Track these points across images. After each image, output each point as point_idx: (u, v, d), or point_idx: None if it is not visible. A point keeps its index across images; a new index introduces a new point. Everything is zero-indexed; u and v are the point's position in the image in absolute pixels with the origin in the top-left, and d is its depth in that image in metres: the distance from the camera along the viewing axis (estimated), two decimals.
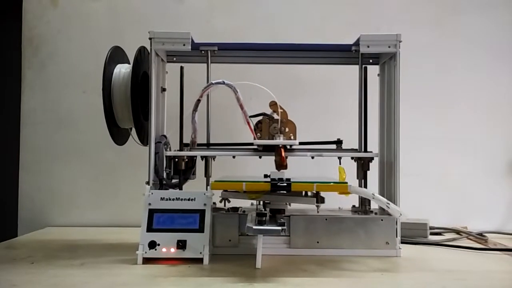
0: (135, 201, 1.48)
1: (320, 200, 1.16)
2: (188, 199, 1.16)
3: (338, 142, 1.34)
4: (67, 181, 1.75)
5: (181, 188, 1.30)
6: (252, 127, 1.23)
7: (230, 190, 1.19)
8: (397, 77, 1.23)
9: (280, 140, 1.20)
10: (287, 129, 1.23)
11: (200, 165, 1.36)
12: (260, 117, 1.24)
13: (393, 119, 1.25)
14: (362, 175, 1.30)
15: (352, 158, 1.32)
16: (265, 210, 1.17)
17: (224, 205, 1.31)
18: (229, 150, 1.31)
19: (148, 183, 1.23)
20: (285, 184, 1.07)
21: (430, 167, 1.72)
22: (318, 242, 1.20)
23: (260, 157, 1.28)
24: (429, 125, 1.72)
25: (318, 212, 1.20)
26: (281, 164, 1.18)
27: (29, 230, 1.65)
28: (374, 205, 1.28)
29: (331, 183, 1.12)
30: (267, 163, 1.24)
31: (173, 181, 1.33)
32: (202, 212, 1.14)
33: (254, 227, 0.98)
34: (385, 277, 1.02)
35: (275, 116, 1.23)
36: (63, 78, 1.76)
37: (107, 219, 1.71)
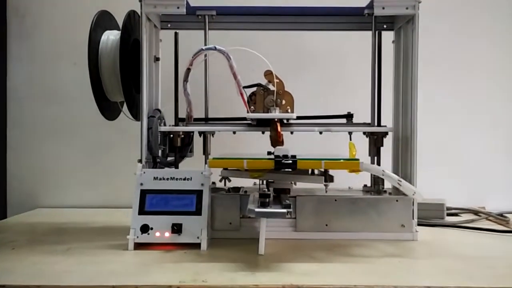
0: (130, 180, 1.38)
1: (328, 178, 1.05)
2: (184, 179, 1.05)
3: (349, 116, 1.22)
4: (58, 160, 1.65)
5: (177, 167, 1.19)
6: (246, 99, 1.11)
7: (230, 168, 1.08)
8: (415, 42, 1.10)
9: (275, 113, 1.08)
10: (283, 102, 1.11)
11: (198, 141, 1.26)
12: (255, 88, 1.13)
13: (410, 90, 1.13)
14: (375, 152, 1.19)
15: (364, 133, 1.20)
16: (268, 190, 1.06)
17: (224, 185, 1.21)
18: (228, 125, 1.20)
19: (140, 161, 1.13)
20: (290, 162, 0.96)
21: (446, 142, 1.60)
22: (327, 225, 1.09)
23: (263, 132, 1.17)
24: (445, 97, 1.60)
25: (326, 192, 1.09)
26: (276, 140, 1.07)
27: (19, 211, 1.56)
28: (387, 185, 1.17)
29: (341, 160, 1.01)
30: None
31: (168, 159, 1.22)
32: (199, 193, 1.04)
33: (257, 209, 0.88)
34: (402, 264, 0.92)
35: (271, 87, 1.11)
36: (52, 49, 1.64)
37: (100, 200, 1.62)
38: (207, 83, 1.26)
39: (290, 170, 0.98)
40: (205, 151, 1.25)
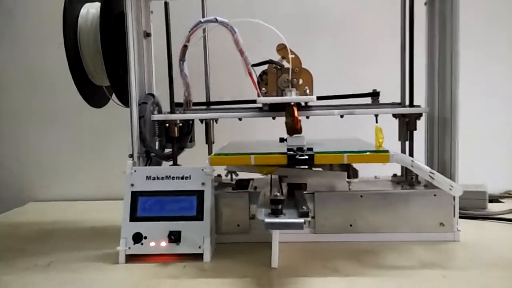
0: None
1: (353, 174, 0.88)
2: (182, 178, 0.89)
3: (374, 95, 1.03)
4: (49, 150, 1.51)
5: (175, 160, 1.03)
6: (255, 80, 0.93)
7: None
8: (455, 3, 0.90)
9: (291, 97, 0.90)
10: (300, 81, 0.93)
11: (200, 128, 1.09)
12: (266, 66, 0.94)
13: (449, 63, 0.93)
14: (407, 136, 1.01)
15: (393, 115, 1.01)
16: (281, 189, 0.89)
17: (231, 179, 1.05)
18: (233, 110, 1.02)
19: (131, 156, 0.97)
20: (306, 157, 0.79)
21: (482, 120, 1.40)
22: (351, 226, 0.93)
23: (274, 118, 0.99)
24: (482, 68, 1.39)
25: (350, 189, 0.92)
26: (293, 128, 0.90)
27: (11, 206, 1.43)
28: None
29: (367, 153, 0.83)
30: (283, 123, 0.95)
31: (166, 151, 1.06)
32: (200, 194, 0.88)
33: (267, 220, 0.71)
34: (449, 281, 0.75)
35: (285, 64, 0.93)
36: (35, 29, 1.47)
37: (95, 192, 1.47)
38: (207, 61, 1.09)
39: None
40: (208, 140, 1.09)
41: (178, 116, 0.99)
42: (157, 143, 1.05)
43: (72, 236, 1.06)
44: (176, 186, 0.89)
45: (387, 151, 0.83)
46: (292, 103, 0.89)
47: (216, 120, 1.09)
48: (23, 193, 1.51)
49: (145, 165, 0.99)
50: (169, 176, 0.90)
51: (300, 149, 0.81)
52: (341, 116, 0.97)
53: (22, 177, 1.52)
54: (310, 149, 0.82)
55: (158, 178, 0.90)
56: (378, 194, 0.93)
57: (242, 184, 1.04)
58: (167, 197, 0.88)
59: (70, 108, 1.47)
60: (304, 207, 0.74)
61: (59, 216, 1.27)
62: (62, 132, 1.49)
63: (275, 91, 0.91)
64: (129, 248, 0.86)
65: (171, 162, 1.03)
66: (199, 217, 0.87)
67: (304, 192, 0.91)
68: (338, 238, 0.93)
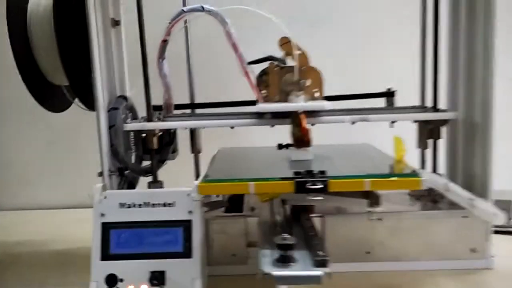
0: None
1: (374, 200, 0.73)
2: (164, 204, 0.73)
3: (388, 95, 0.88)
4: (16, 151, 1.32)
5: (155, 176, 0.86)
6: (253, 81, 0.76)
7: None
8: None
9: (300, 104, 0.73)
10: (308, 82, 0.76)
11: (183, 134, 0.92)
12: (266, 64, 0.77)
13: (480, 56, 0.78)
14: (425, 145, 0.86)
15: (415, 121, 0.86)
16: (284, 212, 0.74)
17: (223, 197, 0.89)
18: (222, 116, 0.85)
19: (101, 174, 0.80)
20: (320, 186, 0.63)
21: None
22: (368, 253, 0.79)
23: (272, 125, 0.83)
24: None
25: (370, 218, 0.77)
26: (301, 140, 0.74)
27: None
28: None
29: (395, 178, 0.67)
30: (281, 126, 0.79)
31: (144, 163, 0.89)
32: (186, 225, 0.72)
33: (277, 273, 0.56)
34: None
35: (290, 61, 0.76)
36: None
37: (71, 198, 1.30)
38: (189, 54, 0.91)
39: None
40: (194, 149, 0.92)
41: (157, 125, 0.82)
42: (132, 156, 0.88)
43: (35, 266, 0.89)
44: (157, 215, 0.72)
45: (417, 175, 0.67)
46: (299, 112, 0.72)
47: None
48: None
49: (119, 185, 0.82)
50: (148, 203, 0.73)
51: (309, 173, 0.65)
52: (353, 123, 0.81)
53: None
54: (323, 172, 0.66)
55: (134, 205, 0.73)
56: (398, 215, 0.79)
57: (236, 202, 0.88)
58: (147, 228, 0.72)
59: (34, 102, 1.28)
60: (320, 252, 0.58)
61: (26, 231, 1.10)
62: (30, 130, 1.30)
63: (277, 95, 0.74)
64: None
65: (149, 178, 0.86)
66: (186, 253, 0.71)
67: (312, 215, 0.76)
68: (352, 268, 0.79)
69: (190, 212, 0.72)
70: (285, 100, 0.73)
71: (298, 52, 0.73)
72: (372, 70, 1.16)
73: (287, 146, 0.93)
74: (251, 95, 0.85)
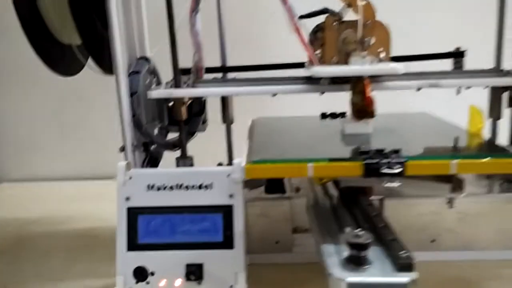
0: (119, 142, 1.00)
1: (457, 185, 0.61)
2: (200, 187, 0.62)
3: (456, 55, 0.74)
4: (23, 117, 1.21)
5: (184, 150, 0.75)
6: (306, 39, 0.63)
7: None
8: None
9: (366, 67, 0.60)
10: (373, 40, 0.63)
11: (212, 102, 0.80)
12: (322, 17, 0.64)
13: None
14: (502, 116, 0.73)
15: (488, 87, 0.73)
16: (343, 195, 0.63)
17: None
18: (263, 82, 0.72)
19: (123, 149, 0.69)
20: (397, 170, 0.51)
21: None
22: (433, 241, 0.68)
23: (322, 93, 0.70)
24: None
25: (451, 207, 0.65)
26: (363, 111, 0.62)
27: None
28: None
29: (488, 160, 0.55)
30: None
31: (169, 136, 0.78)
32: (227, 211, 0.61)
33: (351, 279, 0.45)
34: None
35: (351, 14, 0.63)
36: None
37: (82, 168, 1.21)
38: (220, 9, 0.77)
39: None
40: (226, 118, 0.81)
41: (188, 92, 0.70)
42: (156, 129, 0.76)
43: (56, 248, 0.80)
44: (192, 199, 0.62)
45: None
46: (365, 77, 0.59)
47: None
48: None
49: (143, 163, 0.72)
50: (181, 185, 0.62)
51: (380, 153, 0.53)
52: (418, 89, 0.69)
53: None
54: (396, 151, 0.54)
55: (165, 187, 0.62)
56: (470, 198, 0.67)
57: (276, 181, 0.77)
58: (180, 215, 0.61)
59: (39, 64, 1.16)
60: (402, 252, 0.47)
61: (38, 206, 1.01)
62: (39, 97, 1.20)
63: (335, 56, 0.62)
64: None
65: (177, 153, 0.75)
66: (227, 243, 0.61)
67: (370, 198, 0.65)
68: (415, 258, 0.68)
69: (231, 196, 0.61)
70: (344, 61, 0.61)
71: (363, 2, 0.59)
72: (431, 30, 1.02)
73: (332, 115, 0.82)
74: (291, 58, 0.74)
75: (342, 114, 0.81)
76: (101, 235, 0.84)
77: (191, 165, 0.75)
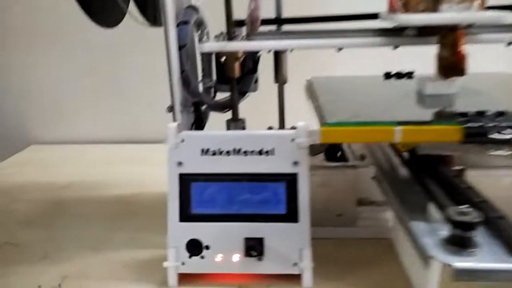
0: (156, 103, 0.95)
1: None
2: (260, 152, 0.55)
3: None
4: (52, 76, 1.15)
5: (236, 112, 0.67)
6: None
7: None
8: None
9: (464, 15, 0.51)
10: None
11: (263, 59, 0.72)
12: None
13: None
14: None
15: None
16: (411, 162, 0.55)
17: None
18: (324, 34, 0.63)
19: (171, 109, 0.62)
20: (510, 136, 0.43)
21: None
22: None
23: (395, 46, 0.61)
24: None
25: None
26: (452, 67, 0.53)
27: (7, 150, 1.12)
28: None
29: None
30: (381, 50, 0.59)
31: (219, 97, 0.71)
32: (291, 180, 0.54)
33: (459, 264, 0.38)
34: None
35: None
36: None
37: (114, 132, 1.16)
38: None
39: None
40: (279, 77, 0.72)
41: (244, 46, 0.61)
42: (201, 86, 0.69)
43: (90, 212, 0.75)
44: (252, 166, 0.55)
45: None
46: (460, 27, 0.50)
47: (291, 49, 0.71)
48: (21, 134, 1.19)
49: (192, 125, 0.65)
50: (239, 150, 0.55)
51: (482, 115, 0.45)
52: (509, 44, 0.59)
53: (20, 113, 1.18)
54: (501, 113, 0.46)
55: (221, 152, 0.55)
56: None
57: (336, 147, 0.70)
58: (239, 183, 0.55)
59: (75, 23, 1.08)
60: None
61: (70, 170, 0.96)
62: (67, 56, 1.13)
63: (422, 2, 0.52)
64: (183, 264, 0.55)
65: (226, 115, 0.68)
66: (291, 216, 0.54)
67: (454, 168, 0.57)
68: None
69: (295, 163, 0.54)
70: (433, 9, 0.52)
71: None
72: None
73: (398, 75, 0.73)
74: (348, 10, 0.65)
75: (409, 74, 0.72)
76: (143, 202, 0.78)
77: (243, 128, 0.68)
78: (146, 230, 0.69)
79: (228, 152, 0.55)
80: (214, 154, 0.55)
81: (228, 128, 0.67)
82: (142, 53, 1.10)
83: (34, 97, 1.17)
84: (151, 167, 0.95)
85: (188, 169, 0.55)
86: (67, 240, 0.67)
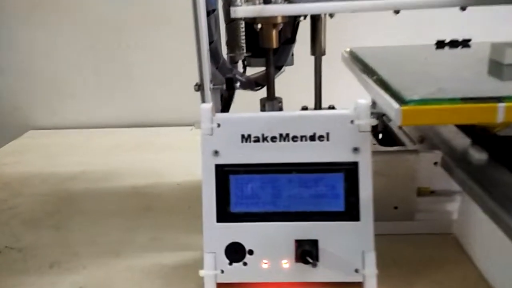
0: (167, 82, 0.86)
1: None
2: (312, 137, 0.46)
3: None
4: (52, 55, 1.05)
5: (272, 89, 0.58)
6: None
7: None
8: None
9: None
10: None
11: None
12: None
13: None
14: None
15: None
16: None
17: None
18: None
19: (199, 88, 0.52)
20: None
21: None
22: None
23: (462, 8, 0.51)
24: None
25: None
26: None
27: (3, 136, 1.02)
28: None
29: None
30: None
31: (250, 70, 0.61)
32: (351, 170, 0.45)
33: None
34: None
35: None
36: None
37: (121, 115, 1.06)
38: None
39: None
40: (316, 49, 0.63)
41: (284, 10, 0.51)
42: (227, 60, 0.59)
43: (104, 208, 0.66)
44: (302, 154, 0.45)
45: None
46: None
47: (331, 15, 0.61)
48: (18, 118, 1.09)
49: (223, 107, 0.55)
50: (286, 135, 0.46)
51: None
52: None
53: (14, 95, 1.08)
54: None
55: (265, 138, 0.46)
56: None
57: (389, 129, 0.61)
58: (287, 175, 0.46)
59: None
60: None
61: (76, 158, 0.86)
62: (68, 30, 1.02)
63: None
64: (222, 272, 0.46)
65: (257, 94, 0.59)
66: (351, 214, 0.45)
67: None
68: None
69: (355, 149, 0.45)
70: None
71: None
72: None
73: (452, 43, 0.64)
74: None
75: (465, 42, 0.63)
76: (160, 194, 0.69)
77: (280, 108, 0.59)
78: (168, 228, 0.60)
79: (274, 138, 0.46)
80: (257, 140, 0.46)
81: (263, 108, 0.58)
82: (148, 28, 0.99)
83: (32, 77, 1.06)
84: (164, 153, 0.86)
85: (226, 159, 0.46)
86: (80, 243, 0.58)
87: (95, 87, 1.05)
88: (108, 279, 0.51)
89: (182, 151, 0.84)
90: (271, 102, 0.57)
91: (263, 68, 0.59)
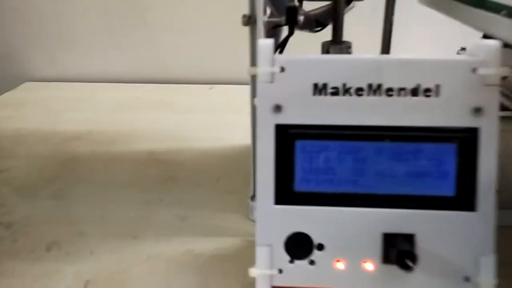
0: (186, 33, 0.75)
1: None
2: (413, 91, 0.32)
3: None
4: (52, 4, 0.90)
5: (338, 31, 0.44)
6: None
7: None
8: None
9: None
10: None
11: None
12: None
13: None
14: None
15: None
16: None
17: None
18: None
19: (248, 20, 0.39)
20: None
21: None
22: None
23: None
24: None
25: None
26: None
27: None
28: None
29: None
30: None
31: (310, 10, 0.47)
32: (467, 139, 0.32)
33: None
34: None
35: None
36: None
37: (132, 68, 0.93)
38: None
39: None
40: None
41: None
42: None
43: (116, 177, 0.54)
44: (401, 115, 0.32)
45: None
46: None
47: None
48: (13, 67, 0.96)
49: (280, 49, 0.42)
50: (378, 87, 0.32)
51: None
52: None
53: (8, 41, 0.95)
54: None
55: (347, 90, 0.33)
56: None
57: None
58: (376, 143, 0.33)
59: None
60: None
61: (81, 115, 0.74)
62: None
63: None
64: (281, 271, 0.34)
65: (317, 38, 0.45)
66: (465, 201, 0.32)
67: None
68: None
69: (477, 110, 0.32)
70: None
71: None
72: None
73: None
74: None
75: None
76: (184, 163, 0.57)
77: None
78: (197, 205, 0.48)
79: (360, 91, 0.32)
80: (335, 93, 0.33)
81: (326, 52, 0.45)
82: None
83: (30, 18, 0.93)
84: (185, 114, 0.73)
85: (291, 118, 0.33)
86: (86, 219, 0.46)
87: (104, 34, 0.91)
88: (124, 270, 0.39)
89: (205, 113, 0.72)
90: (338, 46, 0.44)
91: (326, 3, 0.45)
